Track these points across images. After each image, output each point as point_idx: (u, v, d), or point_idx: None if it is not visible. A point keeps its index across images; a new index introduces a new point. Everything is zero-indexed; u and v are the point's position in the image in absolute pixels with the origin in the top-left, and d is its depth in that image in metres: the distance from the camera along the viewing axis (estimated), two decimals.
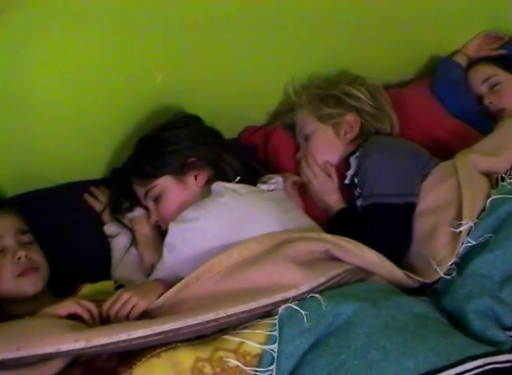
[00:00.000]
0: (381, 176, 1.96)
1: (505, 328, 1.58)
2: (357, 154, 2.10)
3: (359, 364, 1.43)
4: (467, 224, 1.77)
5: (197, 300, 1.63)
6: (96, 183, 2.21)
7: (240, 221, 1.82)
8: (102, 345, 1.45)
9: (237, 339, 1.50)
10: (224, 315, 1.53)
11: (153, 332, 1.47)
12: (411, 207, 1.94)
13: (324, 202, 2.14)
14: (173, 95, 2.20)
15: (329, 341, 1.50)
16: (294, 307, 1.55)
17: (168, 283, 1.71)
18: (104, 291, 1.87)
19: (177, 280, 1.69)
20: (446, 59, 2.58)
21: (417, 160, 2.03)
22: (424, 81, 2.58)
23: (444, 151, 2.19)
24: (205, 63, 2.19)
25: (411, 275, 1.77)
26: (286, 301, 1.58)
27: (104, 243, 2.12)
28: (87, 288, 1.91)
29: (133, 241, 2.09)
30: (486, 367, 1.39)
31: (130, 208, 2.10)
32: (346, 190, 2.13)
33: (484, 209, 1.80)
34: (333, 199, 2.12)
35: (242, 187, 1.91)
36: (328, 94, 2.23)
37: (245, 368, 1.46)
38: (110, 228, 2.12)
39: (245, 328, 1.54)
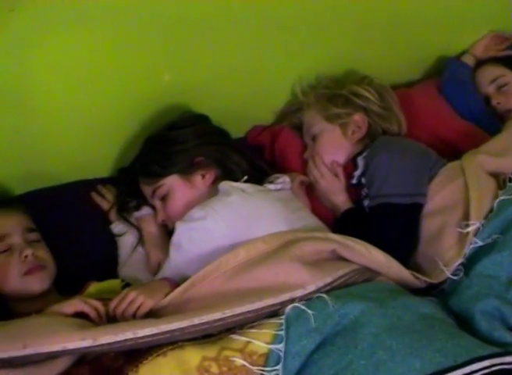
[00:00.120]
0: (388, 177, 1.96)
1: None
2: (365, 154, 2.09)
3: (366, 364, 1.43)
4: (474, 225, 1.77)
5: (204, 299, 1.64)
6: (103, 181, 2.21)
7: (247, 220, 1.82)
8: (109, 344, 1.45)
9: (244, 338, 1.50)
10: (231, 314, 1.53)
11: (159, 331, 1.48)
12: (418, 207, 1.94)
13: (331, 202, 2.13)
14: (181, 94, 2.20)
15: (336, 341, 1.50)
16: (301, 307, 1.55)
17: (175, 283, 1.72)
18: (110, 290, 1.87)
19: (184, 279, 1.69)
20: (454, 60, 2.57)
21: (425, 160, 2.03)
22: (431, 81, 2.57)
23: (451, 151, 2.19)
24: (213, 62, 2.19)
25: (418, 275, 1.77)
26: (292, 300, 1.58)
27: (111, 242, 2.12)
28: (93, 287, 1.92)
29: (140, 240, 2.09)
30: (493, 368, 1.39)
31: (137, 207, 2.10)
32: (353, 190, 2.12)
33: (491, 210, 1.80)
34: (340, 199, 2.12)
35: (249, 187, 1.91)
36: (336, 93, 2.22)
37: (251, 367, 1.46)
38: (117, 227, 2.12)
39: (252, 327, 1.54)
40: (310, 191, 2.18)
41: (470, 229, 1.77)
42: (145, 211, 2.09)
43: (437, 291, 1.77)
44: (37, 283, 1.85)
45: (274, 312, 1.57)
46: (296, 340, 1.50)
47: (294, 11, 2.22)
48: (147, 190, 2.04)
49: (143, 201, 2.09)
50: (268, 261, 1.68)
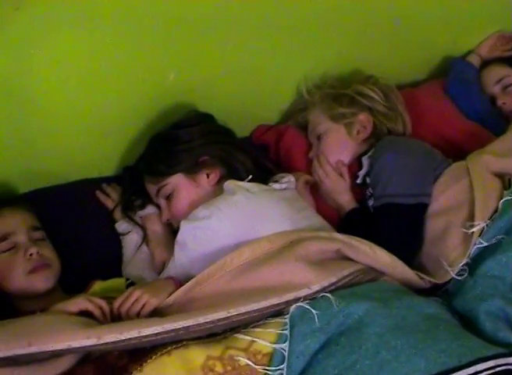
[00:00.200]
0: (393, 177, 1.96)
1: None
2: (370, 154, 2.09)
3: (370, 364, 1.43)
4: (479, 225, 1.77)
5: (208, 298, 1.64)
6: (108, 180, 2.21)
7: (252, 220, 1.82)
8: (113, 342, 1.45)
9: (248, 338, 1.50)
10: (235, 313, 1.53)
11: (164, 330, 1.47)
12: (423, 207, 1.93)
13: (336, 202, 2.13)
14: (186, 93, 2.20)
15: (340, 341, 1.50)
16: (306, 306, 1.55)
17: (180, 282, 1.72)
18: (115, 289, 1.87)
19: (188, 278, 1.69)
20: (460, 60, 2.57)
21: (430, 161, 2.03)
22: (437, 81, 2.57)
23: (457, 151, 2.18)
24: (218, 62, 2.19)
25: (423, 275, 1.77)
26: (297, 300, 1.58)
27: (116, 240, 2.13)
28: (98, 285, 1.92)
29: (145, 239, 2.09)
30: (497, 369, 1.38)
31: (142, 206, 2.10)
32: (358, 190, 2.13)
33: (496, 210, 1.79)
34: (345, 199, 2.12)
35: (254, 186, 1.91)
36: (342, 93, 2.23)
37: (256, 367, 1.46)
38: (121, 226, 2.12)
39: (256, 327, 1.54)
40: (315, 190, 2.18)
41: (475, 229, 1.76)
42: (150, 210, 2.09)
43: (441, 292, 1.77)
44: (42, 282, 1.85)
45: (278, 312, 1.57)
46: (301, 339, 1.50)
47: (301, 9, 2.21)
48: (151, 189, 2.04)
49: (147, 200, 2.09)
50: (272, 260, 1.68)
